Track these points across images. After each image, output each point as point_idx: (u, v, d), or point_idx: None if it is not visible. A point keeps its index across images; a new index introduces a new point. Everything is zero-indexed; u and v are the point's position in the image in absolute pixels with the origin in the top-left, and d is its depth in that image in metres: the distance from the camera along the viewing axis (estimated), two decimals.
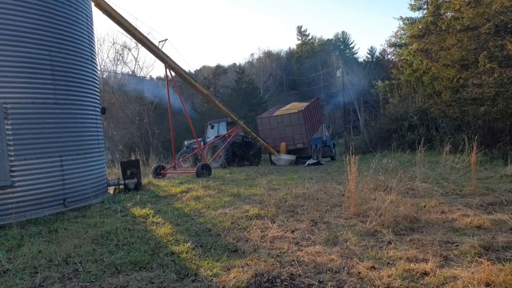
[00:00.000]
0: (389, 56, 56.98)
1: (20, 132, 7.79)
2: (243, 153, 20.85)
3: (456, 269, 3.99)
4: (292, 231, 5.85)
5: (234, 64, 66.13)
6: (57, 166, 8.33)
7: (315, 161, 21.08)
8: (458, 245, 4.77)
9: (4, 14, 7.68)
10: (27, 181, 7.78)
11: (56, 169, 8.32)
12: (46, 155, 8.15)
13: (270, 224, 6.31)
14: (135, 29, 13.51)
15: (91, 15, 10.48)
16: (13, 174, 7.58)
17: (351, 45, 78.22)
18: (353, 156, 6.93)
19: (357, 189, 7.09)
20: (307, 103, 25.10)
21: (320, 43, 77.10)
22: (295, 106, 25.28)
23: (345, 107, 47.70)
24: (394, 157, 12.69)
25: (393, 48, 39.88)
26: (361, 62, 65.91)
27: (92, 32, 10.36)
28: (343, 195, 8.13)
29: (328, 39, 78.67)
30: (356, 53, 76.76)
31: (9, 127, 7.64)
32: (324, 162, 22.33)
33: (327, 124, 30.91)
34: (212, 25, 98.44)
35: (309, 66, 65.16)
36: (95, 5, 11.58)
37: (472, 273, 3.82)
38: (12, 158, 7.63)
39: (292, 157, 21.57)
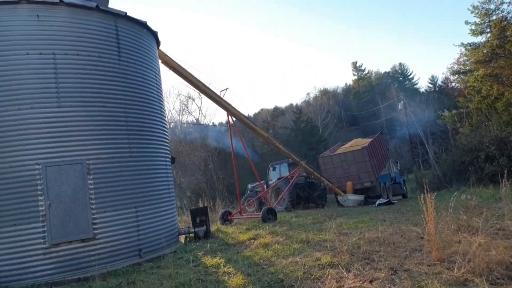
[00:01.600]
0: (453, 84, 54.29)
1: (100, 186, 8.36)
2: (307, 194, 20.48)
3: None
4: (371, 281, 5.48)
5: (291, 104, 66.89)
6: (133, 217, 8.74)
7: (386, 200, 20.05)
8: None
9: (87, 78, 8.54)
10: (107, 233, 8.21)
11: (132, 220, 8.72)
12: (122, 207, 8.61)
13: (345, 273, 5.98)
14: (199, 81, 14.28)
15: (159, 71, 11.28)
16: (95, 226, 8.07)
17: (410, 76, 76.14)
18: (428, 193, 6.48)
19: (437, 231, 6.56)
20: (371, 139, 24.32)
21: (377, 76, 75.98)
22: (358, 143, 24.60)
23: (411, 140, 45.58)
24: (474, 193, 11.73)
25: (456, 75, 38.03)
26: (423, 92, 63.51)
27: (161, 87, 11.11)
28: (422, 238, 7.55)
29: (385, 72, 77.41)
30: (417, 83, 74.43)
31: (91, 181, 8.24)
32: (395, 201, 21.14)
33: (394, 159, 29.56)
34: (267, 69, 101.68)
35: (367, 100, 64.03)
36: (162, 62, 12.48)
37: None
38: (94, 211, 8.16)
39: (360, 197, 20.73)
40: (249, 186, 24.26)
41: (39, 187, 7.83)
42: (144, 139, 9.53)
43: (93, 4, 9.03)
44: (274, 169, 22.69)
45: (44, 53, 8.19)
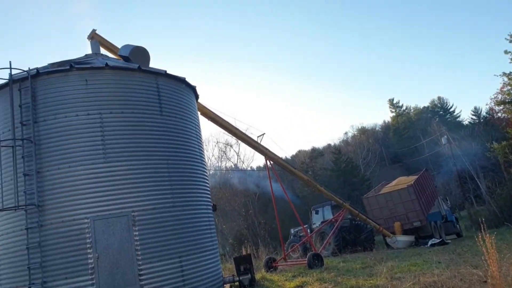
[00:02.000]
0: (499, 114, 51.97)
1: (145, 237, 8.50)
2: (354, 237, 19.74)
3: None
4: None
5: (329, 145, 66.25)
6: (177, 267, 8.73)
7: (439, 240, 18.91)
8: None
9: (131, 134, 8.98)
10: (153, 284, 8.23)
11: (177, 270, 8.70)
12: (167, 257, 8.65)
13: None
14: (236, 128, 14.61)
15: (199, 123, 11.68)
16: (141, 278, 8.12)
17: (451, 109, 73.82)
18: (486, 231, 6.03)
19: (501, 274, 6.03)
20: (416, 176, 23.43)
21: (416, 112, 74.28)
22: (403, 181, 23.75)
23: (459, 175, 43.35)
24: None
25: (502, 105, 36.46)
26: (467, 124, 61.12)
27: (200, 137, 11.44)
28: (485, 281, 6.95)
29: (424, 107, 75.60)
30: (459, 116, 71.90)
31: (137, 233, 8.41)
32: (449, 241, 19.87)
33: (443, 196, 28.11)
34: (302, 111, 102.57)
35: (408, 136, 62.36)
36: (201, 114, 12.95)
37: None
38: (140, 262, 8.25)
39: (410, 238, 19.70)
40: (292, 230, 23.73)
41: (88, 240, 8.09)
42: (186, 189, 9.71)
43: (135, 66, 9.70)
44: (317, 212, 22.17)
45: (91, 113, 8.77)
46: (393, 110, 75.88)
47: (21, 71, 9.01)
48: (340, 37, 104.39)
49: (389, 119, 76.51)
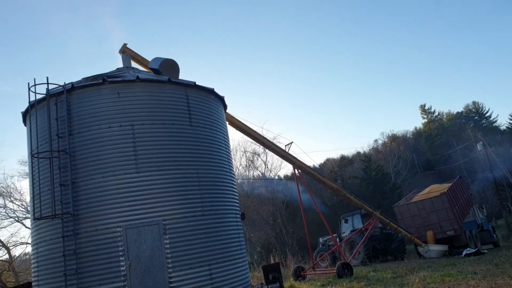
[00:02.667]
0: None
1: (176, 245, 8.67)
2: (384, 246, 19.31)
3: None
4: None
5: (358, 152, 65.09)
6: (207, 275, 8.84)
7: (474, 250, 18.19)
8: None
9: (161, 145, 9.25)
10: None
11: (206, 277, 8.81)
12: (197, 265, 8.78)
13: None
14: (264, 137, 14.72)
15: (227, 132, 11.85)
16: (171, 285, 8.27)
17: (487, 114, 71.21)
18: None
19: None
20: (450, 184, 22.70)
21: (449, 117, 72.17)
22: (436, 189, 23.07)
23: (496, 183, 41.63)
24: None
25: None
26: (504, 130, 58.74)
27: (229, 147, 11.61)
28: None
29: (457, 112, 73.33)
30: (495, 121, 69.20)
31: (167, 241, 8.60)
32: (486, 251, 19.07)
33: (479, 204, 27.05)
34: (330, 119, 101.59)
35: (441, 143, 60.56)
36: (229, 123, 13.13)
37: None
38: (170, 270, 8.41)
39: (443, 247, 19.07)
40: (321, 239, 23.47)
41: (120, 248, 8.34)
42: (215, 197, 9.86)
43: (165, 78, 10.02)
44: (346, 221, 21.85)
45: (123, 125, 9.10)
46: (425, 116, 74.04)
47: (57, 85, 9.49)
48: (370, 42, 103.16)
49: (421, 126, 74.66)
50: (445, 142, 59.37)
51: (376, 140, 75.08)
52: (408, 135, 73.85)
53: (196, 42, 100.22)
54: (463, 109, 74.44)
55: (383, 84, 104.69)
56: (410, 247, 21.42)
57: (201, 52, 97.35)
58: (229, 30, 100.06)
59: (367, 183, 46.40)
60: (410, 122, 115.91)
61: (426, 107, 74.02)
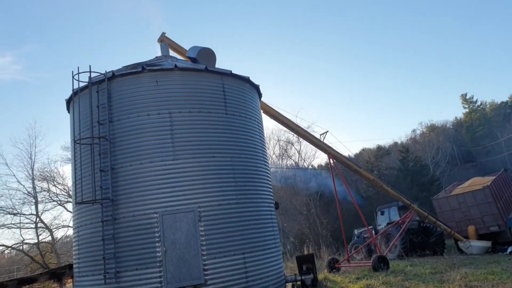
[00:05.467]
0: None
1: (210, 232, 8.73)
2: (422, 240, 18.74)
3: None
4: None
5: (396, 143, 63.25)
6: (241, 263, 8.86)
7: None
8: None
9: (198, 133, 9.29)
10: (217, 279, 8.45)
11: (240, 266, 8.84)
12: (231, 253, 8.82)
13: None
14: (298, 126, 14.53)
15: (262, 121, 11.76)
16: (206, 272, 8.36)
17: None
18: None
19: None
20: (493, 177, 21.58)
21: (492, 107, 68.54)
22: (478, 182, 22.01)
23: None
24: None
25: None
26: None
27: (263, 135, 11.52)
28: None
29: (502, 102, 69.48)
30: None
31: (202, 228, 8.68)
32: None
33: None
34: (367, 108, 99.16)
35: (483, 134, 57.81)
36: (263, 112, 13.03)
37: None
38: (205, 257, 8.50)
39: (486, 244, 18.25)
40: (356, 231, 23.11)
41: (156, 234, 8.50)
42: (250, 186, 9.83)
43: (202, 67, 10.04)
44: (382, 213, 21.34)
45: (161, 113, 9.21)
46: (466, 106, 70.74)
47: (99, 74, 9.71)
48: (410, 28, 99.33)
49: (462, 116, 71.44)
50: (487, 133, 56.65)
51: (414, 130, 72.66)
52: (448, 126, 70.99)
53: (231, 29, 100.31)
54: (508, 99, 70.47)
55: (422, 72, 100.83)
56: (450, 242, 20.66)
57: (236, 39, 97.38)
58: (265, 16, 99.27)
59: (404, 174, 45.06)
60: (450, 112, 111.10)
61: (468, 97, 70.67)
